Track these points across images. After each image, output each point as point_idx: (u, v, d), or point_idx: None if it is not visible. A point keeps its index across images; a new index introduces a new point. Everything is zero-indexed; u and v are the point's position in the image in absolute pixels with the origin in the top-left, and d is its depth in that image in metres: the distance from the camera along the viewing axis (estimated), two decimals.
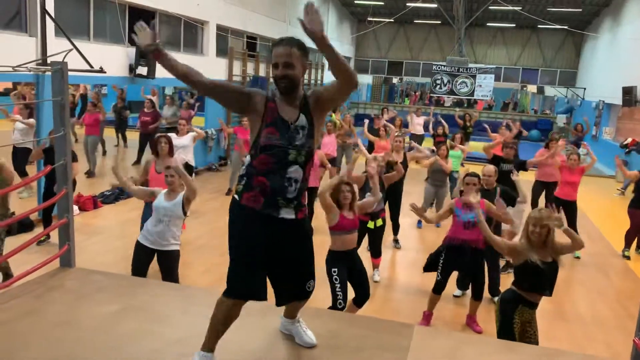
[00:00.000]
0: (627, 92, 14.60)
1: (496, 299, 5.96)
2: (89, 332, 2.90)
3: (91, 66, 7.46)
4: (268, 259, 2.63)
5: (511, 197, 6.11)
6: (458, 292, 6.16)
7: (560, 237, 3.88)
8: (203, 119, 12.92)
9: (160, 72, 9.75)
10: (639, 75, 14.45)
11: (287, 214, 2.61)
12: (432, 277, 6.55)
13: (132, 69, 9.41)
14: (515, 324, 3.89)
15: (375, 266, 6.43)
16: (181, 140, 8.00)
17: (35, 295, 3.34)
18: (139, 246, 4.65)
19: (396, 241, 7.75)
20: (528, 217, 3.78)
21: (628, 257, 7.87)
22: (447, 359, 2.86)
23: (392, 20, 23.30)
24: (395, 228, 7.65)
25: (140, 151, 11.81)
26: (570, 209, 7.60)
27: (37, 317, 3.07)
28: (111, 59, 8.89)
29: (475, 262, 5.15)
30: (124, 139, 13.77)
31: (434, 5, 21.48)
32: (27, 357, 2.68)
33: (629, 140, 15.52)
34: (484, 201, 5.11)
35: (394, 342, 3.01)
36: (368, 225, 5.97)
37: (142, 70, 9.35)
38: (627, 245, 7.94)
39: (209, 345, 2.67)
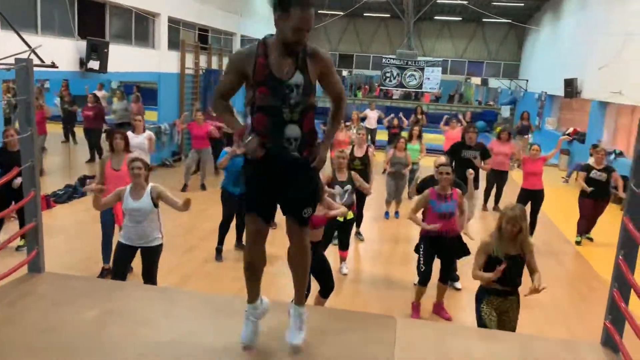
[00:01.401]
0: (569, 83, 15.26)
1: (457, 284, 6.20)
2: (73, 338, 2.81)
3: (42, 61, 7.12)
4: (273, 190, 2.72)
5: (461, 187, 6.30)
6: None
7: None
8: (156, 113, 12.61)
9: (112, 66, 9.46)
10: (580, 68, 15.13)
11: (291, 157, 2.66)
12: (397, 269, 6.75)
13: (82, 63, 9.07)
14: (484, 312, 4.04)
15: (343, 259, 6.51)
16: (138, 138, 7.69)
17: (7, 303, 3.20)
18: (120, 246, 4.54)
19: (359, 233, 7.83)
20: (504, 215, 3.91)
21: (579, 243, 8.30)
22: (434, 350, 2.95)
23: (342, 14, 23.34)
24: (359, 220, 7.73)
25: (91, 148, 11.42)
26: (538, 197, 7.91)
27: (13, 326, 2.95)
28: (61, 52, 8.54)
29: (449, 248, 5.29)
30: (73, 135, 13.26)
31: None
32: None
33: (571, 130, 16.29)
34: (457, 191, 5.25)
35: (380, 335, 3.07)
36: (338, 219, 6.02)
37: (94, 64, 9.02)
38: (579, 232, 8.36)
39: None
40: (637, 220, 2.87)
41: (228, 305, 3.40)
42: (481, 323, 4.05)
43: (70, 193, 9.08)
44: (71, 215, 8.22)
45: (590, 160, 8.59)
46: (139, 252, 4.64)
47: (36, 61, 7.07)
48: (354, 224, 6.56)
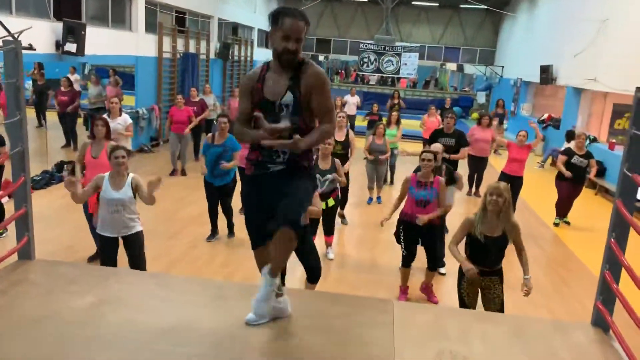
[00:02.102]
0: (544, 70, 15.49)
1: (442, 269, 6.30)
2: (72, 326, 2.76)
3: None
4: (264, 207, 2.74)
5: (454, 176, 6.38)
6: None
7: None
8: (133, 98, 12.38)
9: (90, 48, 9.24)
10: (555, 55, 15.35)
11: (278, 167, 2.71)
12: (382, 254, 6.82)
13: (59, 45, 8.82)
14: (463, 289, 4.14)
15: (328, 244, 6.55)
16: (113, 123, 7.42)
17: None
18: (101, 238, 4.45)
19: (342, 216, 7.85)
20: (487, 188, 3.99)
21: (557, 224, 8.51)
22: (432, 331, 2.99)
23: None
24: (343, 203, 7.73)
25: (66, 133, 11.18)
26: (517, 184, 8.02)
27: (7, 314, 2.88)
28: (36, 34, 8.27)
29: (430, 236, 5.31)
30: (44, 119, 12.92)
31: None
32: (6, 359, 2.53)
33: (546, 115, 16.57)
34: (439, 179, 5.30)
35: (378, 318, 3.10)
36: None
37: (71, 46, 8.79)
38: (558, 214, 8.56)
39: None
40: (629, 203, 2.96)
41: (225, 290, 3.38)
42: (462, 302, 4.16)
43: (48, 179, 8.90)
44: (49, 202, 8.05)
45: (571, 145, 8.76)
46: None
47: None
48: (337, 210, 6.58)
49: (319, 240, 6.20)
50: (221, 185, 6.65)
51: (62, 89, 10.97)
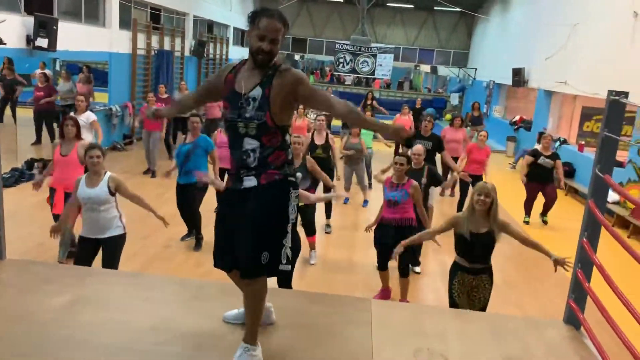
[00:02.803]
0: (517, 73, 15.78)
1: (417, 268, 6.37)
2: (49, 325, 2.72)
3: None
4: (233, 230, 2.59)
5: (437, 177, 6.44)
6: None
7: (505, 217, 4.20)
8: (106, 95, 12.18)
9: (62, 44, 9.07)
10: (527, 58, 15.66)
11: (249, 182, 2.56)
12: (359, 254, 6.87)
13: (30, 40, 8.64)
14: (455, 289, 4.19)
15: (312, 246, 6.44)
16: (80, 119, 7.32)
17: None
18: (81, 239, 4.37)
19: (328, 225, 7.64)
20: (474, 188, 4.05)
21: (527, 222, 8.74)
22: (409, 329, 3.04)
23: None
24: (328, 208, 7.64)
25: (39, 130, 10.93)
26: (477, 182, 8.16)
27: None
28: (6, 28, 8.10)
29: (399, 239, 5.03)
30: (14, 116, 12.61)
31: None
32: None
33: (517, 118, 16.89)
34: (411, 182, 5.31)
35: (357, 316, 3.13)
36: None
37: (42, 41, 8.61)
38: (527, 213, 8.81)
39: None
40: (600, 203, 3.05)
41: (203, 289, 3.38)
42: (452, 300, 4.20)
43: (17, 177, 8.71)
44: (19, 200, 7.86)
45: (538, 147, 8.97)
46: None
47: None
48: (317, 211, 6.52)
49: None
50: (187, 184, 6.39)
51: (39, 84, 10.71)
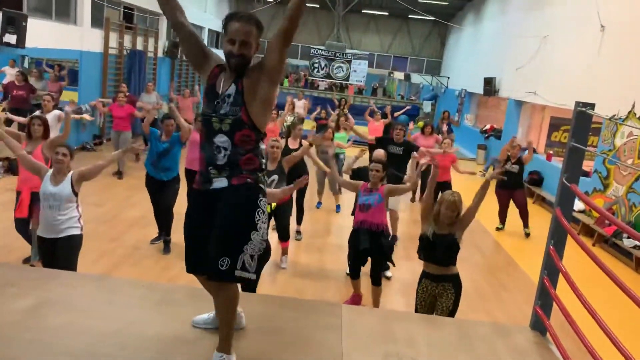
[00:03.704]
0: (488, 82, 16.07)
1: (387, 273, 6.40)
2: (11, 329, 2.64)
3: None
4: (202, 232, 2.53)
5: (398, 179, 6.47)
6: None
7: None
8: (76, 94, 11.94)
9: (31, 41, 8.86)
10: (498, 68, 15.95)
11: (219, 183, 2.53)
12: (329, 259, 6.87)
13: None
14: (418, 295, 4.23)
15: (284, 252, 6.41)
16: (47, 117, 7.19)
17: None
18: (39, 239, 4.26)
19: (298, 232, 7.55)
20: (441, 199, 4.09)
21: (500, 229, 9.03)
22: (379, 334, 3.05)
23: (274, 1, 23.15)
24: (299, 214, 7.57)
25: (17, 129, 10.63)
26: (444, 188, 8.24)
27: None
28: None
29: (372, 244, 5.13)
30: None
31: None
32: None
33: (488, 126, 17.18)
34: (384, 187, 5.33)
35: (327, 321, 3.13)
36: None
37: (10, 38, 8.41)
38: (501, 221, 9.06)
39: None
40: (567, 211, 3.11)
41: (171, 293, 3.33)
42: (415, 307, 4.24)
43: None
44: None
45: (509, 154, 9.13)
46: None
47: None
48: (289, 214, 6.49)
49: (274, 245, 6.09)
50: (164, 181, 6.36)
51: (16, 82, 10.42)
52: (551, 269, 3.15)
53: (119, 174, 9.81)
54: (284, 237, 6.30)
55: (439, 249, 4.10)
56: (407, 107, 18.19)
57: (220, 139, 2.51)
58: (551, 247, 3.13)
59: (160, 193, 6.46)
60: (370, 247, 5.18)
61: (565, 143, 3.19)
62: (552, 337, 3.07)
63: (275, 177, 5.84)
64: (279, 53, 2.53)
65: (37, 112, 6.49)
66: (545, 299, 3.21)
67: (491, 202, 8.98)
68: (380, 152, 6.30)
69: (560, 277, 3.10)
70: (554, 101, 11.69)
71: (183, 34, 2.66)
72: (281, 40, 2.51)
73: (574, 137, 3.04)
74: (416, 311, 4.22)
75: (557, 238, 3.13)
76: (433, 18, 23.67)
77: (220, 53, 2.72)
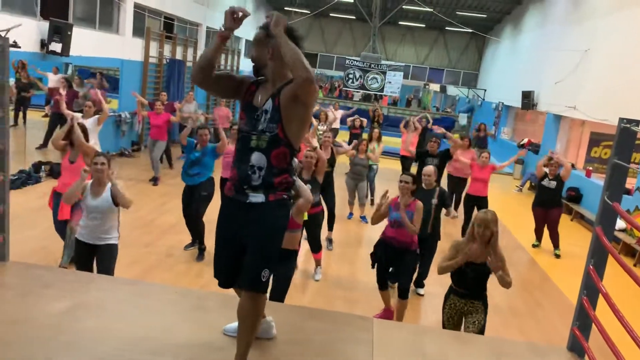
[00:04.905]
0: (526, 95, 15.79)
1: (420, 290, 6.31)
2: (47, 330, 2.70)
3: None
4: (236, 244, 2.61)
5: (446, 200, 6.37)
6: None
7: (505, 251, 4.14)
8: (116, 102, 12.26)
9: (75, 49, 9.15)
10: (537, 81, 15.66)
11: (256, 198, 2.56)
12: (360, 270, 6.82)
13: (44, 44, 8.72)
14: (446, 312, 4.15)
15: (317, 263, 6.39)
16: (86, 123, 7.39)
17: None
18: (78, 243, 4.36)
19: (330, 241, 7.54)
20: (475, 218, 4.01)
21: (536, 246, 8.79)
22: (411, 350, 3.00)
23: (310, 13, 23.35)
24: (331, 221, 7.55)
25: (49, 133, 10.98)
26: (482, 204, 8.15)
27: None
28: (21, 32, 8.17)
29: (400, 261, 5.13)
30: (24, 118, 12.70)
31: (351, 0, 21.86)
32: None
33: (525, 140, 16.85)
34: (416, 203, 5.23)
35: (357, 335, 3.10)
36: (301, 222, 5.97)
37: (56, 46, 8.69)
38: (538, 239, 8.81)
39: None
40: (608, 230, 3.01)
41: (203, 300, 3.35)
42: (443, 324, 4.16)
43: (24, 179, 8.73)
44: (24, 202, 7.89)
45: (546, 170, 8.92)
46: None
47: None
48: (324, 227, 6.46)
49: (306, 255, 6.06)
50: (194, 186, 6.41)
51: (61, 89, 10.77)
52: (591, 289, 3.05)
53: (154, 180, 9.99)
54: (315, 248, 6.28)
55: (470, 278, 4.01)
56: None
57: (256, 157, 2.55)
58: (591, 266, 3.03)
59: (190, 198, 6.53)
60: (396, 265, 5.17)
61: (606, 159, 3.09)
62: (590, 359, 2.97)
63: (309, 186, 5.85)
64: (303, 95, 2.54)
65: (79, 117, 6.68)
66: (584, 319, 3.10)
67: (528, 218, 8.80)
68: (430, 169, 6.17)
69: (600, 297, 3.00)
70: (595, 116, 11.40)
71: (216, 86, 2.69)
72: (298, 87, 2.51)
73: (616, 154, 2.95)
74: (444, 327, 4.15)
75: (597, 257, 3.03)
76: (471, 30, 23.46)
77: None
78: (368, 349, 2.94)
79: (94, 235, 4.32)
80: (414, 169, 9.05)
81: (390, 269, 5.26)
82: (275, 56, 2.57)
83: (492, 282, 4.16)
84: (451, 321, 4.11)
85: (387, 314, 5.46)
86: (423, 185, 5.70)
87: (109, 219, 4.36)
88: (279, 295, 4.41)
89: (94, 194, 4.32)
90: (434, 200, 5.90)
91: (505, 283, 3.91)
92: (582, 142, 13.80)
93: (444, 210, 6.41)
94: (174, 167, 11.20)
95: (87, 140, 5.72)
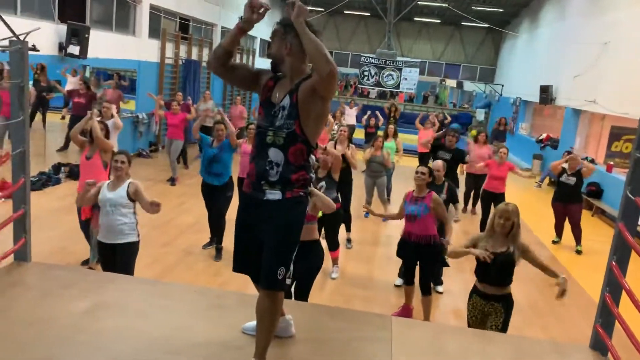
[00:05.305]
0: (544, 90, 15.58)
1: (439, 288, 6.27)
2: (67, 330, 2.74)
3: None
4: (254, 240, 2.62)
5: (455, 196, 6.34)
6: (399, 281, 6.20)
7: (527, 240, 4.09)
8: (134, 102, 12.37)
9: (92, 51, 9.24)
10: (555, 75, 15.45)
11: (273, 195, 2.56)
12: (378, 269, 6.80)
13: (62, 47, 8.83)
14: (469, 310, 4.10)
15: (334, 261, 6.38)
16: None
17: None
18: (99, 244, 4.41)
19: (349, 240, 7.52)
20: (496, 210, 3.97)
21: (557, 242, 8.68)
22: (430, 349, 2.97)
23: (325, 11, 23.30)
24: (347, 221, 7.51)
25: (69, 136, 11.13)
26: (499, 200, 8.05)
27: (1, 316, 2.86)
28: (40, 35, 8.28)
29: (418, 255, 5.14)
30: (44, 120, 12.88)
31: None
32: None
33: (544, 135, 16.64)
34: (432, 195, 5.23)
35: (376, 333, 3.08)
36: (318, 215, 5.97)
37: (74, 49, 8.79)
38: (558, 235, 8.69)
39: None
40: (631, 226, 2.95)
41: (221, 299, 3.36)
42: (467, 322, 4.12)
43: (45, 180, 8.85)
44: (45, 203, 8.00)
45: (565, 166, 8.80)
46: None
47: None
48: (342, 226, 6.45)
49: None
50: (216, 185, 6.48)
51: (80, 91, 10.90)
52: (614, 286, 2.99)
53: (171, 180, 10.06)
54: (333, 246, 6.27)
55: (494, 269, 3.97)
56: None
57: (274, 153, 2.55)
58: (613, 262, 2.98)
59: (213, 198, 6.59)
60: (417, 259, 5.18)
61: (627, 153, 3.03)
62: (614, 357, 2.91)
63: (324, 183, 5.85)
64: (324, 89, 2.52)
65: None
66: (606, 317, 3.05)
67: (547, 214, 8.68)
68: (438, 163, 6.17)
69: (623, 294, 2.94)
70: (615, 110, 11.21)
71: (230, 75, 2.75)
72: (320, 80, 2.48)
73: (639, 148, 2.89)
74: (469, 326, 4.11)
75: (620, 254, 2.97)
76: (487, 25, 23.23)
77: (269, 63, 2.75)
78: (387, 347, 2.93)
79: (112, 233, 4.34)
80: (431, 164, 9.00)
81: (418, 263, 5.26)
82: (293, 52, 2.56)
83: (515, 281, 4.11)
84: (475, 320, 4.07)
85: (405, 312, 5.43)
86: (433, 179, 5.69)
87: (124, 214, 4.35)
88: (305, 288, 4.43)
89: (110, 188, 4.37)
90: (443, 196, 5.88)
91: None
92: (602, 136, 13.57)
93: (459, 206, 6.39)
94: (190, 168, 11.28)
95: (107, 137, 5.77)
